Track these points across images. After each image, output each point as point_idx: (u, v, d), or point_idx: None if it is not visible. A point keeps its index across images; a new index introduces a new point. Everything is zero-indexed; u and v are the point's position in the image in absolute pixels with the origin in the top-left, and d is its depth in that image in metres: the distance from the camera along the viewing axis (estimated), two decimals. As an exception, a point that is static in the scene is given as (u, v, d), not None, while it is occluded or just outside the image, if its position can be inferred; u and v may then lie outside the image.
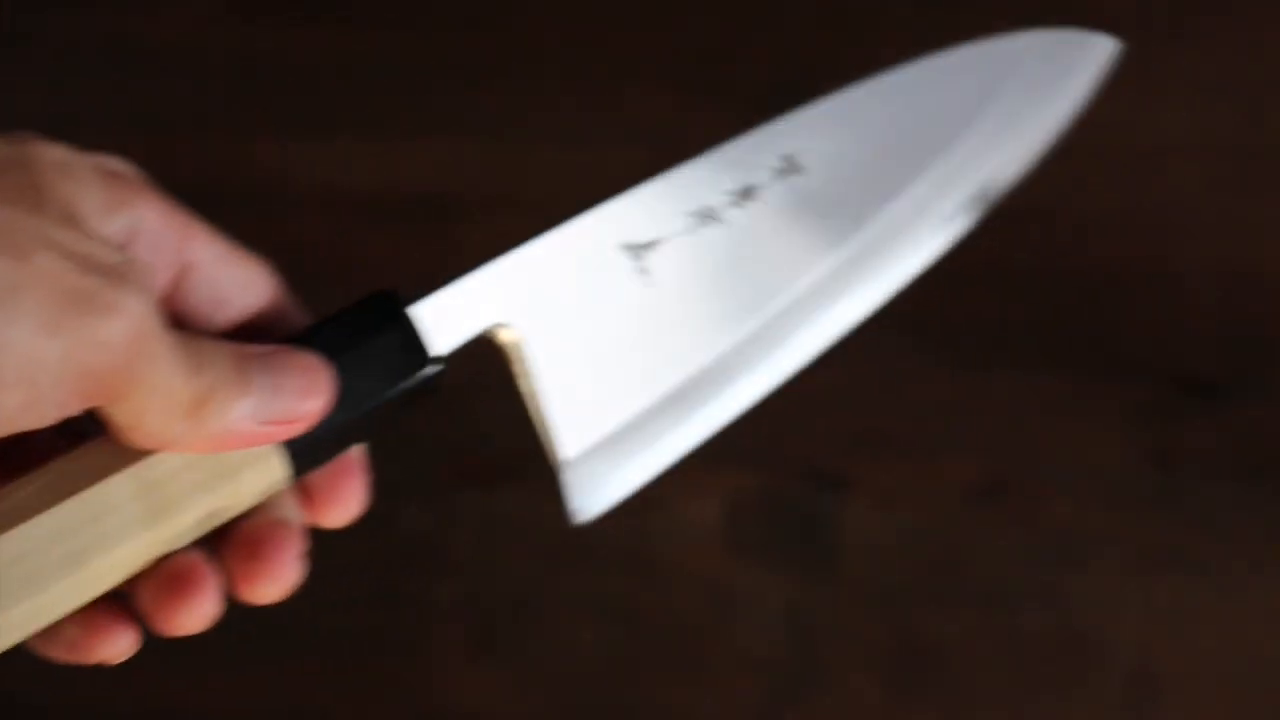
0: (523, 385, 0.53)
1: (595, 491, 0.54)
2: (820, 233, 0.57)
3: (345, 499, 0.51)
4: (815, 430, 0.88)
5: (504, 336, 0.52)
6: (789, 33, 0.98)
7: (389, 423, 0.50)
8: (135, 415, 0.44)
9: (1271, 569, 0.86)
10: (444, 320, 0.51)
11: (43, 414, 0.42)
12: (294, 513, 0.50)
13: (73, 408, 0.43)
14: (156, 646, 0.85)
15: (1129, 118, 0.95)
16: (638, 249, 0.54)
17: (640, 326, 0.54)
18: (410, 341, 0.50)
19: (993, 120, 0.63)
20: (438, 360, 0.50)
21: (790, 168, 0.58)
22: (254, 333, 0.50)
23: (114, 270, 0.43)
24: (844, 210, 0.57)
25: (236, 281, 0.50)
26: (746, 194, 0.57)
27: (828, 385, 0.88)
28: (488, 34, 0.98)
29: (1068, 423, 0.89)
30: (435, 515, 0.87)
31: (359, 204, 0.93)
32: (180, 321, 0.49)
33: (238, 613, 0.85)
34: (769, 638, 0.85)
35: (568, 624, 0.85)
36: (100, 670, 0.85)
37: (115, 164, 0.50)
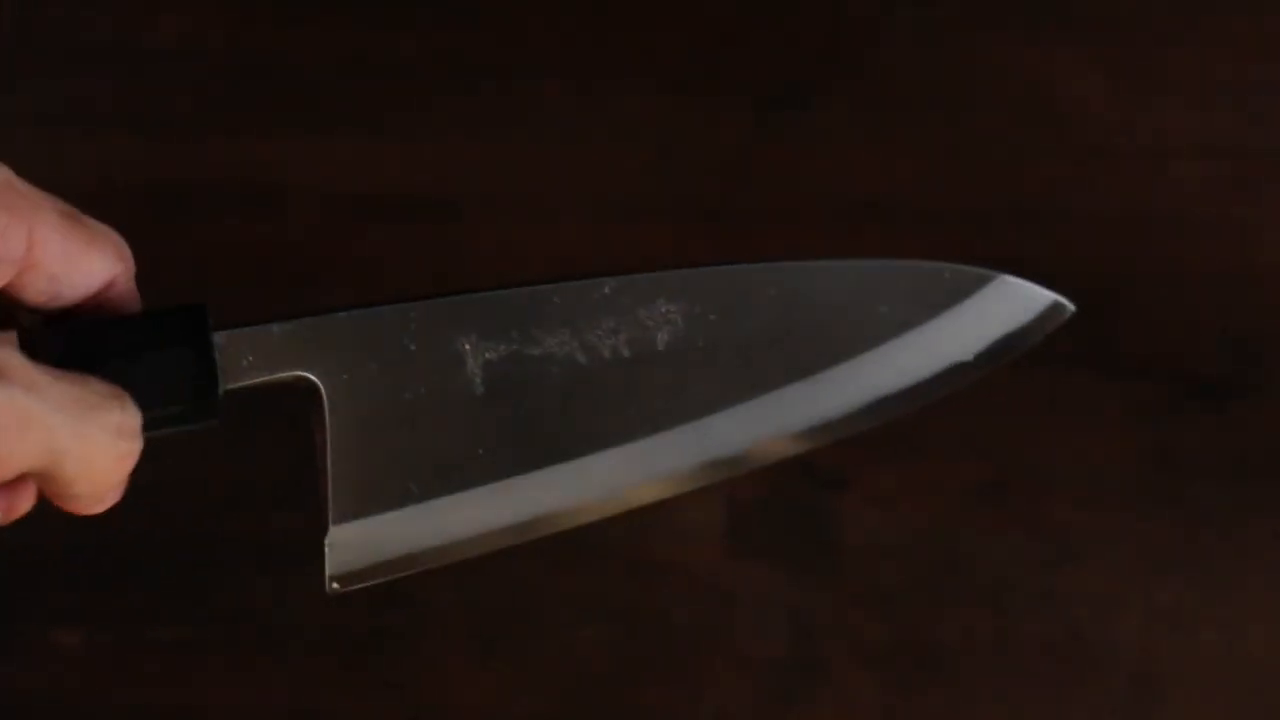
0: (317, 438, 0.53)
1: (352, 559, 0.53)
2: (666, 398, 0.55)
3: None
4: (815, 430, 0.88)
5: (309, 386, 0.52)
6: (789, 33, 0.98)
7: (157, 431, 0.49)
8: (75, 466, 0.45)
9: (1271, 569, 0.86)
10: (250, 354, 0.51)
11: None
12: None
13: None
14: (156, 646, 0.85)
15: (1129, 118, 0.95)
16: (480, 350, 0.53)
17: (454, 424, 0.53)
18: (203, 365, 0.50)
19: (888, 359, 0.58)
20: (216, 393, 0.50)
21: (667, 322, 0.55)
22: (79, 306, 0.50)
23: None
24: (702, 387, 0.56)
25: (74, 276, 0.49)
26: (609, 332, 0.55)
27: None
28: (488, 34, 0.98)
29: (1068, 423, 0.89)
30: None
31: (359, 204, 0.93)
32: (6, 309, 0.48)
33: (238, 612, 0.86)
34: (769, 638, 0.85)
35: (568, 624, 0.85)
36: (99, 669, 0.86)
37: None
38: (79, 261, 0.49)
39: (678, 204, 0.92)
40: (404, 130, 0.95)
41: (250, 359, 0.51)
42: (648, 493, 0.57)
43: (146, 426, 0.49)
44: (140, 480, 0.89)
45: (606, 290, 0.55)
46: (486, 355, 0.53)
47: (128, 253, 0.51)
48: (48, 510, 0.88)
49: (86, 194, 1.00)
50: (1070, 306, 0.62)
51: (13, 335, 0.46)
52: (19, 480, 0.47)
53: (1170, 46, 0.97)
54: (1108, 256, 0.92)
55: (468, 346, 0.53)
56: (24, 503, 0.49)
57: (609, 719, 0.84)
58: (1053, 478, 0.87)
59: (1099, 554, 0.86)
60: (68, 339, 0.48)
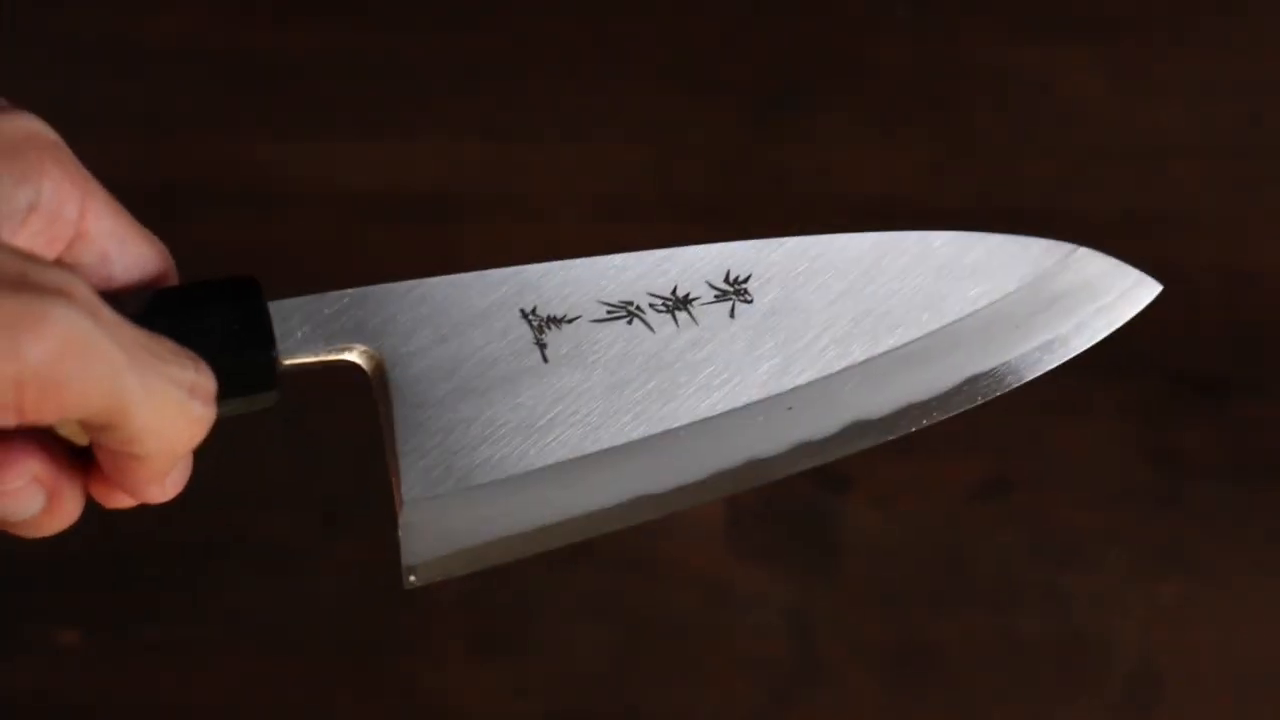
0: (382, 416, 0.50)
1: (431, 542, 0.51)
2: (743, 371, 0.52)
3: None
4: (815, 430, 0.88)
5: (369, 359, 0.50)
6: (789, 33, 0.98)
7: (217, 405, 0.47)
8: (137, 418, 0.43)
9: (1271, 569, 0.86)
10: (305, 324, 0.49)
11: None
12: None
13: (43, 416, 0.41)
14: (156, 646, 0.85)
15: (1129, 118, 0.95)
16: (541, 320, 0.51)
17: (521, 395, 0.50)
18: (259, 332, 0.48)
19: (977, 335, 0.55)
20: (273, 361, 0.48)
21: (736, 292, 0.53)
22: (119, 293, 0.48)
23: (30, 284, 0.41)
24: (781, 358, 0.53)
25: (125, 259, 0.49)
26: (678, 303, 0.52)
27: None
28: (488, 34, 0.98)
29: (1068, 423, 0.89)
30: (435, 515, 0.87)
31: (359, 204, 0.93)
32: None
33: (238, 612, 0.86)
34: (769, 638, 0.85)
35: (568, 624, 0.85)
36: (100, 668, 0.86)
37: (21, 124, 0.48)
38: (129, 244, 0.49)
39: (677, 204, 0.92)
40: (404, 130, 0.95)
41: (305, 330, 0.49)
42: (746, 476, 0.52)
43: None
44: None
45: (667, 260, 0.53)
46: (550, 325, 0.51)
47: (170, 258, 0.50)
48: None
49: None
50: (1156, 285, 0.59)
51: (79, 276, 0.44)
52: (68, 471, 0.46)
53: (1170, 46, 0.97)
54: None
55: (530, 316, 0.51)
56: (69, 507, 0.47)
57: (609, 719, 0.84)
58: (1053, 478, 0.87)
59: (1099, 554, 0.86)
60: (118, 306, 0.46)
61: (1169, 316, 0.91)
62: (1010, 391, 0.95)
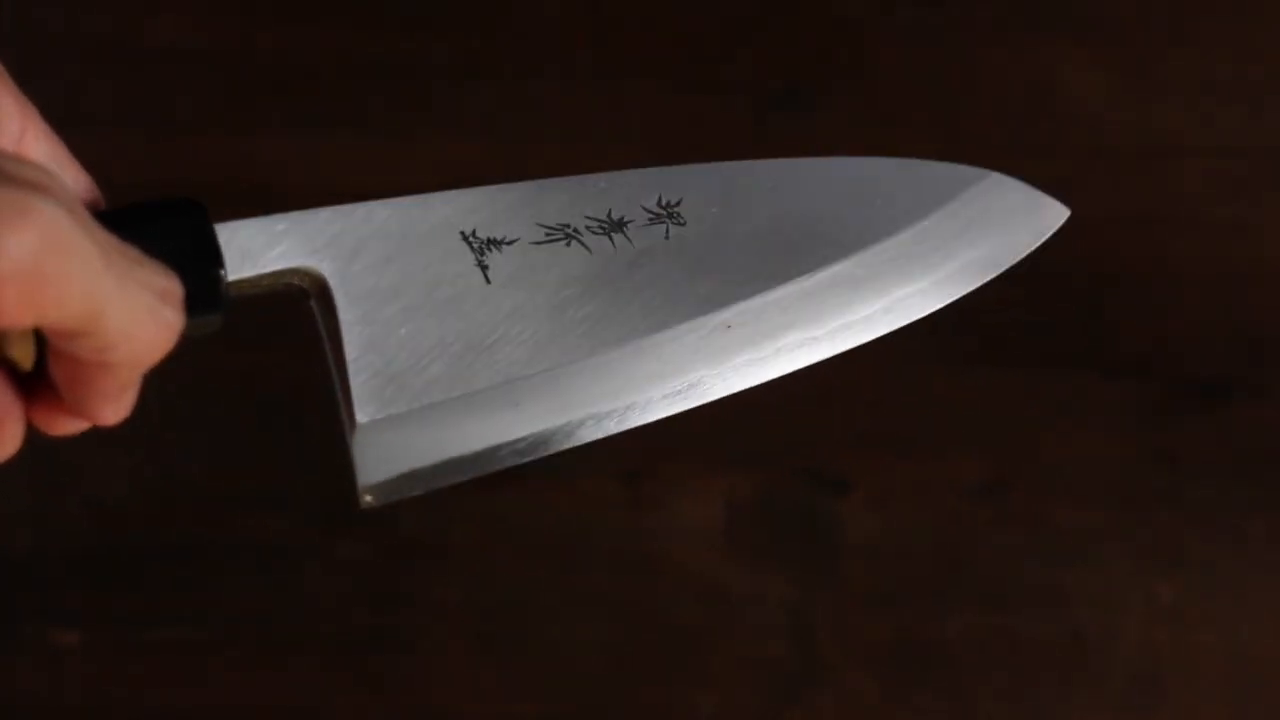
0: (326, 335, 0.50)
1: (385, 463, 0.50)
2: (682, 290, 0.53)
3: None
4: (815, 430, 0.88)
5: (315, 277, 0.50)
6: (789, 33, 0.98)
7: None
8: (104, 318, 0.42)
9: (1271, 569, 0.86)
10: (253, 242, 0.49)
11: None
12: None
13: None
14: (156, 646, 0.85)
15: (1129, 118, 0.95)
16: (482, 243, 0.52)
17: (466, 316, 0.51)
18: (205, 249, 0.48)
19: (901, 255, 0.56)
20: (220, 277, 0.48)
21: (669, 215, 0.53)
22: None
23: (10, 177, 0.40)
24: (716, 277, 0.53)
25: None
26: (614, 226, 0.53)
27: (828, 385, 0.88)
28: (486, 34, 0.98)
29: (1068, 423, 0.89)
30: (435, 515, 0.87)
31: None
32: None
33: (238, 613, 0.86)
34: (769, 638, 0.85)
35: (568, 624, 0.85)
36: (99, 669, 0.86)
37: None
38: (65, 170, 0.48)
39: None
40: (404, 130, 0.95)
41: (255, 245, 0.50)
42: (691, 395, 0.53)
43: None
44: (141, 481, 0.89)
45: (602, 184, 0.53)
46: (490, 247, 0.52)
47: (100, 193, 0.49)
48: (49, 511, 0.88)
49: (86, 194, 0.99)
50: (1065, 210, 0.60)
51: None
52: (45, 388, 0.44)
53: (1170, 46, 0.97)
54: (1108, 256, 0.92)
55: (471, 239, 0.52)
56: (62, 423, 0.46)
57: (609, 719, 0.84)
58: (1053, 478, 0.87)
59: (1099, 554, 0.86)
60: None
61: (1169, 317, 0.91)
62: (1010, 392, 0.95)
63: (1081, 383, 0.89)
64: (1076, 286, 0.92)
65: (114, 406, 0.45)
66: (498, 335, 0.51)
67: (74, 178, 0.49)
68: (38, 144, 0.48)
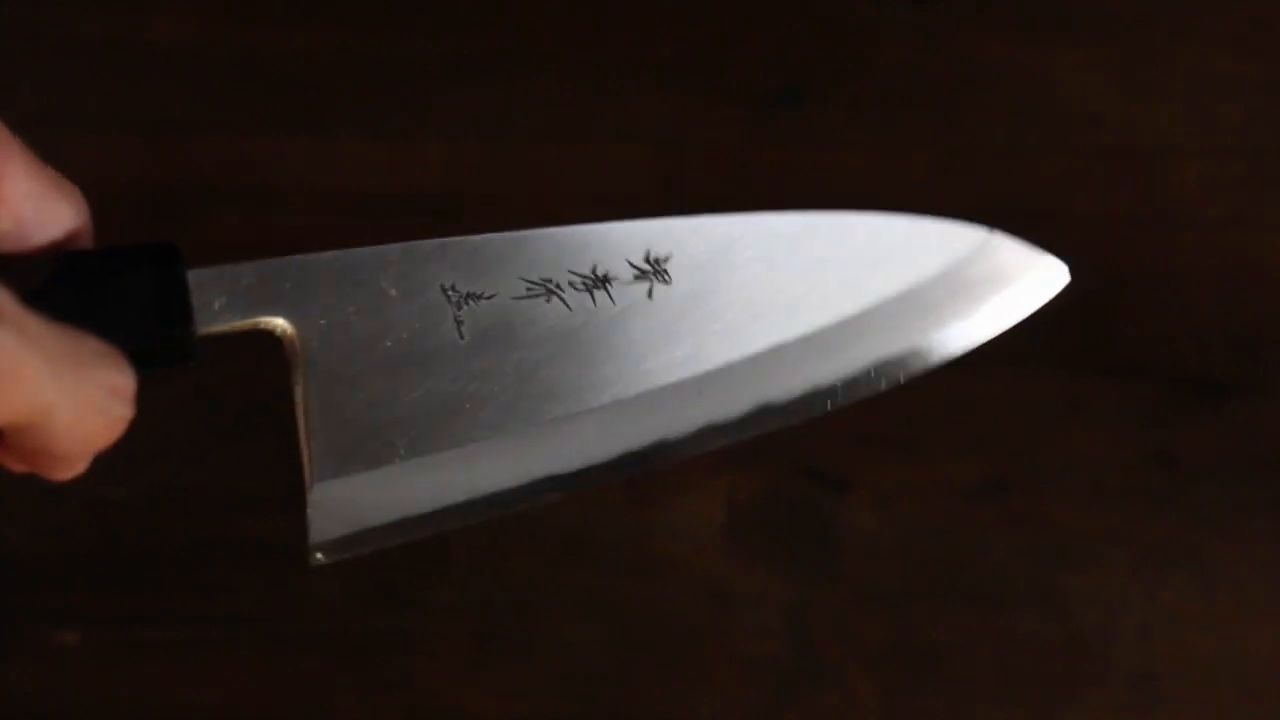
0: (293, 390, 0.50)
1: (338, 521, 0.50)
2: (658, 353, 0.52)
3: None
4: (815, 430, 0.88)
5: (283, 332, 0.49)
6: (789, 33, 0.97)
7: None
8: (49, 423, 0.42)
9: (1271, 569, 0.86)
10: (223, 294, 0.48)
11: None
12: None
13: None
14: (156, 646, 0.85)
15: (1129, 118, 0.95)
16: (460, 297, 0.51)
17: (436, 374, 0.50)
18: (176, 301, 0.47)
19: (887, 321, 0.55)
20: (190, 331, 0.47)
21: (656, 273, 0.53)
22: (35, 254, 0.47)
23: None
24: (694, 341, 0.53)
25: (42, 219, 0.47)
26: (597, 282, 0.52)
27: (828, 385, 0.88)
28: (486, 34, 0.98)
29: (1068, 423, 0.89)
30: (435, 515, 0.87)
31: (358, 204, 0.93)
32: None
33: (238, 613, 0.86)
34: (769, 638, 0.85)
35: (568, 624, 0.85)
36: (99, 669, 0.85)
37: None
38: (46, 204, 0.47)
39: (677, 204, 0.92)
40: (404, 130, 0.95)
41: (222, 300, 0.48)
42: (653, 457, 0.52)
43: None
44: (141, 482, 0.89)
45: (591, 238, 0.53)
46: (469, 301, 0.51)
47: (88, 208, 0.49)
48: (48, 511, 0.88)
49: (86, 194, 1.00)
50: (1064, 269, 0.59)
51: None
52: None
53: (1170, 46, 0.96)
54: (1108, 256, 0.92)
55: (449, 292, 0.51)
56: None
57: (609, 719, 0.84)
58: (1053, 478, 0.87)
59: (1099, 554, 0.86)
60: (32, 271, 0.46)
61: (1169, 317, 0.91)
62: (1010, 392, 0.95)
63: (1081, 383, 0.89)
64: (1076, 286, 0.92)
65: (65, 473, 0.46)
66: (465, 396, 0.50)
67: (56, 208, 0.47)
68: (16, 186, 0.46)
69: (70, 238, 0.48)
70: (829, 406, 0.55)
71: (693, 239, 0.54)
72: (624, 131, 0.95)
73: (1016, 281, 0.58)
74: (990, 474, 0.87)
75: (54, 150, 1.02)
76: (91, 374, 0.44)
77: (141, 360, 0.46)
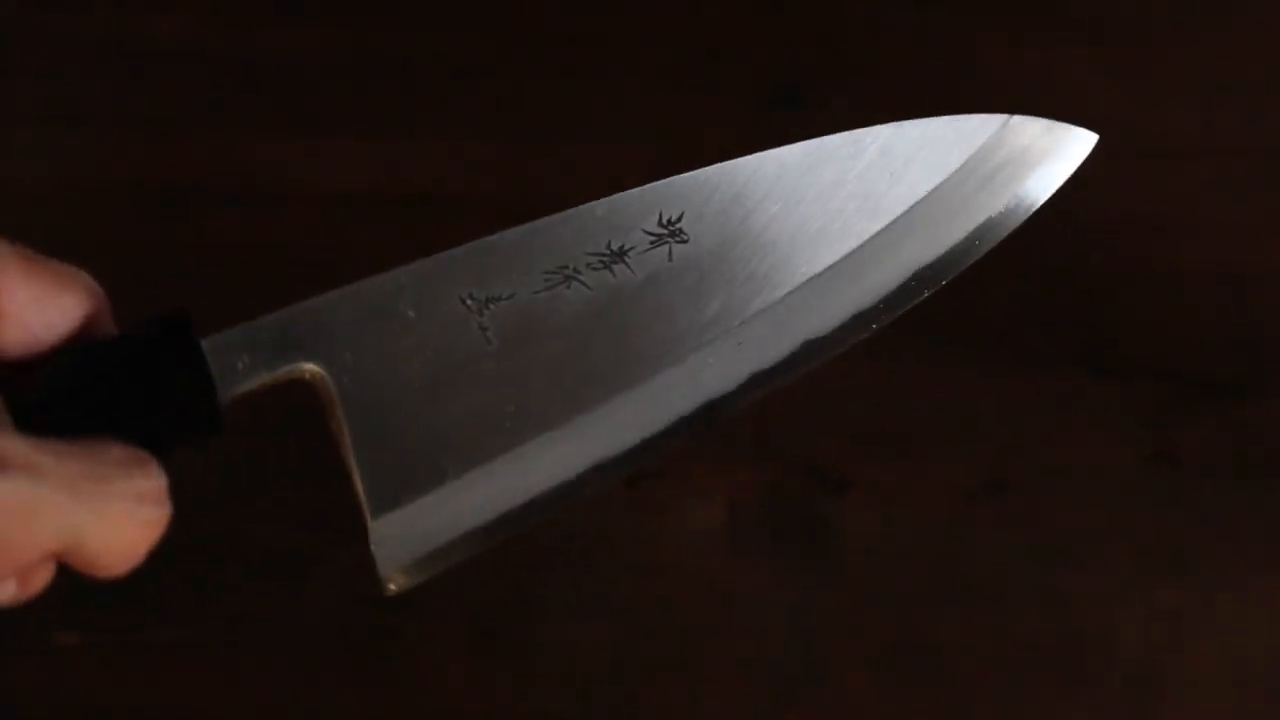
0: (334, 430, 0.49)
1: (404, 549, 0.50)
2: (689, 315, 0.51)
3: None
4: (815, 430, 0.88)
5: (313, 376, 0.49)
6: (789, 33, 0.98)
7: (160, 450, 0.46)
8: (89, 542, 0.42)
9: (1271, 569, 0.86)
10: (244, 354, 0.48)
11: None
12: None
13: None
14: (156, 647, 0.85)
15: (1129, 118, 0.95)
16: (480, 303, 0.50)
17: (471, 384, 0.49)
18: (197, 377, 0.47)
19: (916, 229, 0.54)
20: (216, 406, 0.47)
21: (671, 234, 0.52)
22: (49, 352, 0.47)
23: None
24: (723, 294, 0.52)
25: (47, 318, 0.46)
26: (614, 257, 0.51)
27: (828, 385, 0.88)
28: (487, 34, 0.98)
29: (1068, 423, 0.89)
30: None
31: (359, 204, 0.93)
32: None
33: (238, 613, 0.86)
34: (769, 638, 0.85)
35: (568, 624, 0.85)
36: (99, 669, 0.85)
37: None
38: (50, 304, 0.46)
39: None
40: (404, 130, 0.95)
41: (245, 360, 0.48)
42: (705, 418, 0.51)
43: (150, 449, 0.45)
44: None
45: (599, 213, 0.52)
46: (489, 305, 0.50)
47: (99, 289, 0.48)
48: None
49: (86, 194, 1.00)
50: (1092, 135, 0.57)
51: (5, 415, 0.43)
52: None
53: (1170, 46, 0.97)
54: (1108, 256, 0.92)
55: (469, 301, 0.50)
56: (41, 579, 0.46)
57: (609, 719, 0.84)
58: (1053, 478, 0.87)
59: (1099, 554, 0.86)
60: (50, 378, 0.45)
61: (1169, 317, 0.91)
62: (1010, 392, 0.95)
63: (1082, 383, 0.89)
64: (1076, 286, 0.92)
65: (119, 573, 0.46)
66: (504, 400, 0.50)
67: (62, 303, 0.46)
68: (15, 295, 0.45)
69: (86, 324, 0.47)
70: (874, 327, 0.54)
71: (702, 192, 0.53)
72: (624, 131, 0.95)
73: (1042, 158, 0.57)
74: (990, 474, 0.87)
75: (54, 150, 1.03)
76: (118, 488, 0.43)
77: (173, 439, 0.46)
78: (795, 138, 0.95)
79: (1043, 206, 0.94)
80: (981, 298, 0.91)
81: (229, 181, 0.94)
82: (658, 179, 0.96)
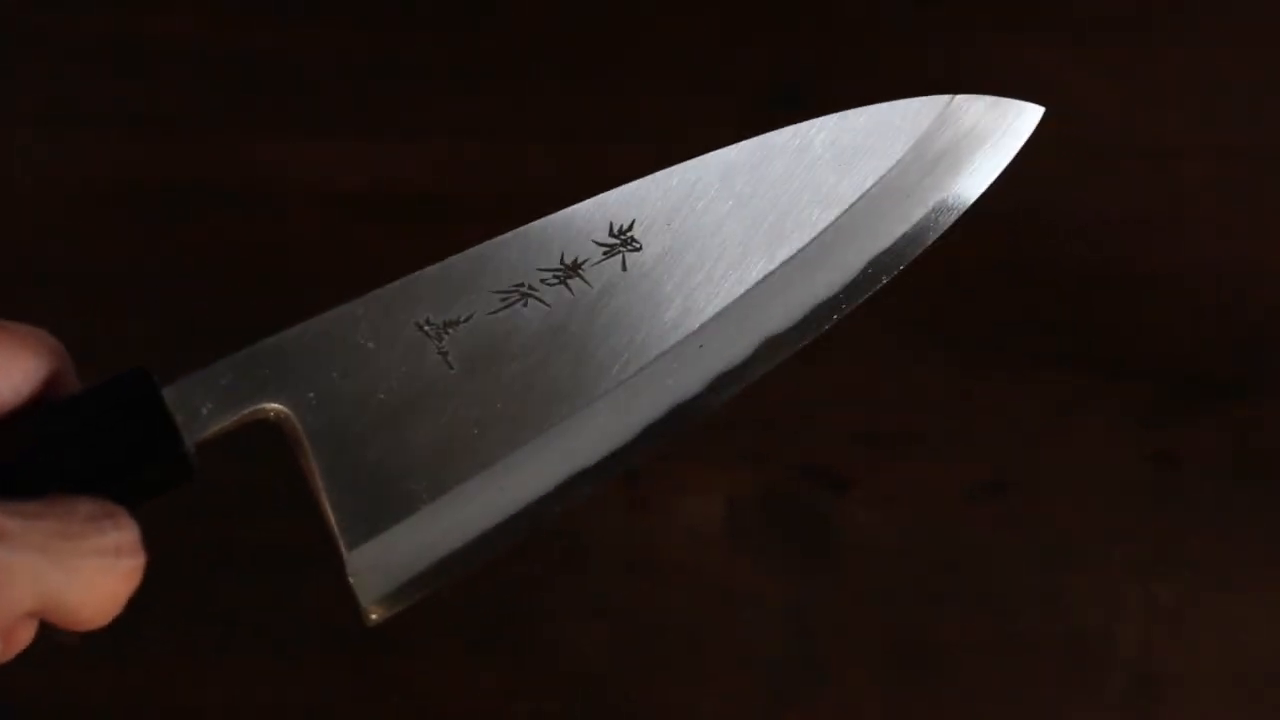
0: (303, 466, 0.50)
1: (383, 579, 0.50)
2: (648, 322, 0.51)
3: None
4: (815, 430, 0.88)
5: (277, 416, 0.49)
6: (789, 33, 0.98)
7: (133, 503, 0.47)
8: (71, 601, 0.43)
9: (1271, 569, 0.86)
10: (206, 401, 0.48)
11: None
12: None
13: None
14: (156, 646, 0.85)
15: (1129, 118, 0.95)
16: (438, 328, 0.50)
17: (435, 410, 0.50)
18: (161, 428, 0.47)
19: (869, 216, 0.54)
20: (184, 454, 0.47)
21: (624, 243, 0.52)
22: (13, 413, 0.46)
23: None
24: (681, 297, 0.52)
25: (12, 381, 0.46)
26: (568, 271, 0.52)
27: (828, 385, 0.88)
28: (488, 34, 0.98)
29: (1068, 423, 0.89)
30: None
31: (359, 204, 0.93)
32: None
33: (239, 613, 0.86)
34: (769, 638, 0.85)
35: (568, 624, 0.85)
36: (100, 669, 0.85)
37: None
38: (14, 367, 0.46)
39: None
40: (404, 130, 0.95)
41: (209, 406, 0.48)
42: (674, 422, 0.52)
43: (123, 502, 0.46)
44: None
45: (550, 228, 0.52)
46: (448, 330, 0.50)
47: (60, 346, 0.47)
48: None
49: (86, 194, 1.00)
50: (1038, 109, 0.58)
51: None
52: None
53: (1170, 46, 0.97)
54: (1107, 257, 0.92)
55: (426, 327, 0.50)
56: (23, 637, 0.46)
57: (609, 719, 0.84)
58: (1053, 478, 0.87)
59: (1099, 554, 0.86)
60: (16, 439, 0.45)
61: (1169, 317, 0.91)
62: (1010, 392, 0.95)
63: (1081, 383, 0.89)
64: (1076, 287, 0.92)
65: (100, 624, 0.47)
66: (471, 423, 0.50)
67: (25, 365, 0.46)
68: None
69: (49, 383, 0.47)
70: (834, 318, 0.53)
71: (651, 197, 0.53)
72: (624, 131, 0.95)
73: (990, 135, 0.58)
74: (990, 474, 0.87)
75: (54, 150, 1.03)
76: (90, 544, 0.44)
77: (145, 491, 0.47)
78: (795, 138, 0.95)
79: (1042, 207, 0.95)
80: (981, 298, 0.91)
81: (229, 181, 0.94)
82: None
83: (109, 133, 0.95)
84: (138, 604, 0.86)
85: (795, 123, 0.95)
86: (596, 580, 0.86)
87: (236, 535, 0.86)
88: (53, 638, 0.83)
